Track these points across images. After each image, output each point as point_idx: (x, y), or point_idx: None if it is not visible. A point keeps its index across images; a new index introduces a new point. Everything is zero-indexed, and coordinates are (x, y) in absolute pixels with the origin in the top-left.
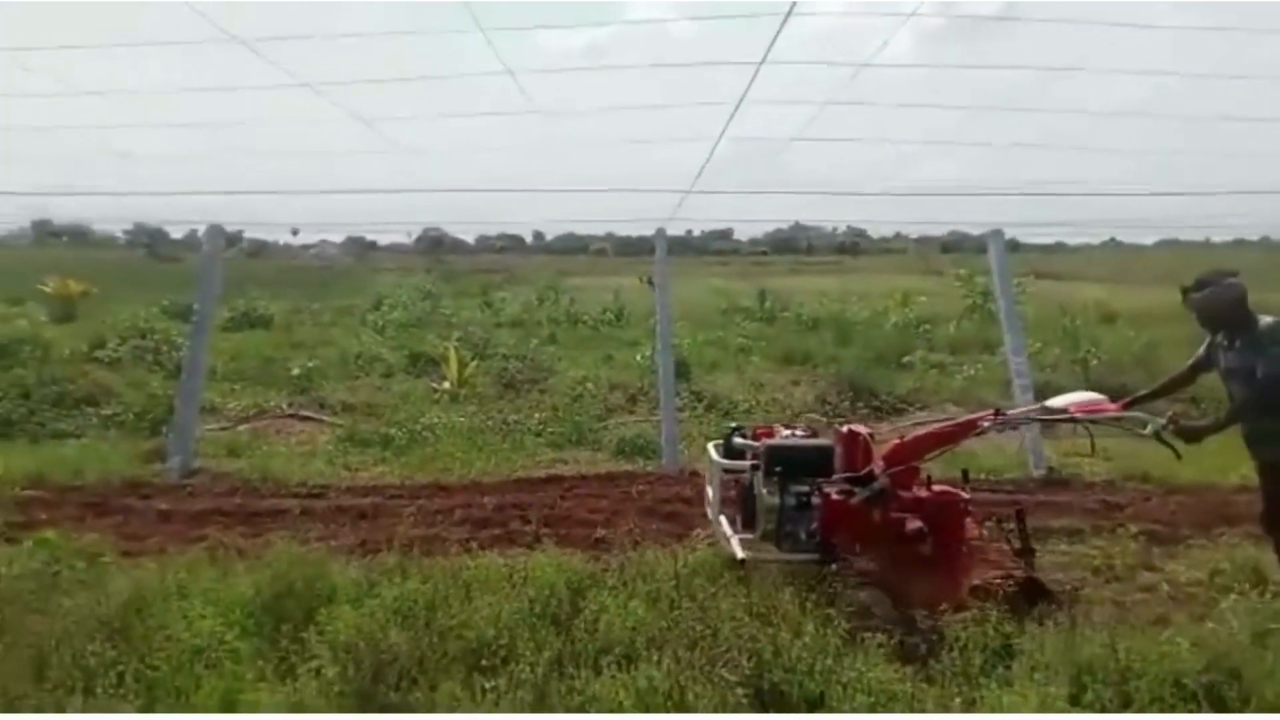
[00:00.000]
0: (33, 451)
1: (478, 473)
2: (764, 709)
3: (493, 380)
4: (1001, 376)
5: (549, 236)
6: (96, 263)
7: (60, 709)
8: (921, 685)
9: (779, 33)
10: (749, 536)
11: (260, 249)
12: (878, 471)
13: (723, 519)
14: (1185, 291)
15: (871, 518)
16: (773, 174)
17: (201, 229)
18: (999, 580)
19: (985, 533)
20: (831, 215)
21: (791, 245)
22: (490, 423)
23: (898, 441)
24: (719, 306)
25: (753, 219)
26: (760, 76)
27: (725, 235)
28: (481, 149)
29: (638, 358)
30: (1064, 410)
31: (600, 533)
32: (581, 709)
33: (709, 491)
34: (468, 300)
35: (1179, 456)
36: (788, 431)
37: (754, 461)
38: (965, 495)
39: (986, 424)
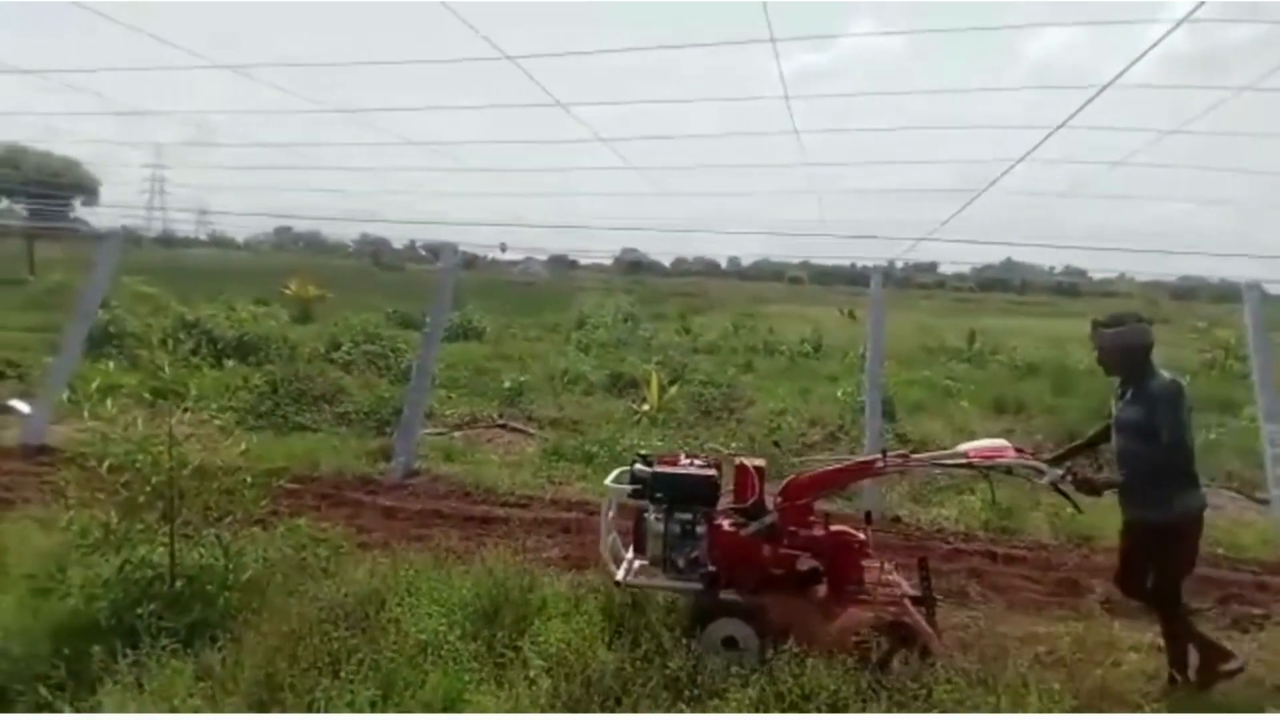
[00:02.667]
0: (278, 442)
1: None
2: None
3: (690, 405)
4: (1245, 443)
5: (744, 263)
6: (328, 269)
7: (311, 690)
8: None
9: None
10: (644, 561)
11: (471, 262)
12: (770, 506)
13: (616, 542)
14: (1095, 325)
15: (761, 551)
16: (985, 213)
17: (420, 242)
18: (868, 621)
19: (892, 578)
20: (1049, 256)
21: (1002, 283)
22: (687, 448)
23: (793, 478)
24: (925, 345)
25: (962, 261)
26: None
27: (930, 269)
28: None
29: (838, 393)
30: (963, 455)
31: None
32: None
33: (603, 515)
34: (665, 323)
35: (1078, 510)
36: (687, 461)
37: (637, 487)
38: (861, 537)
39: (880, 464)
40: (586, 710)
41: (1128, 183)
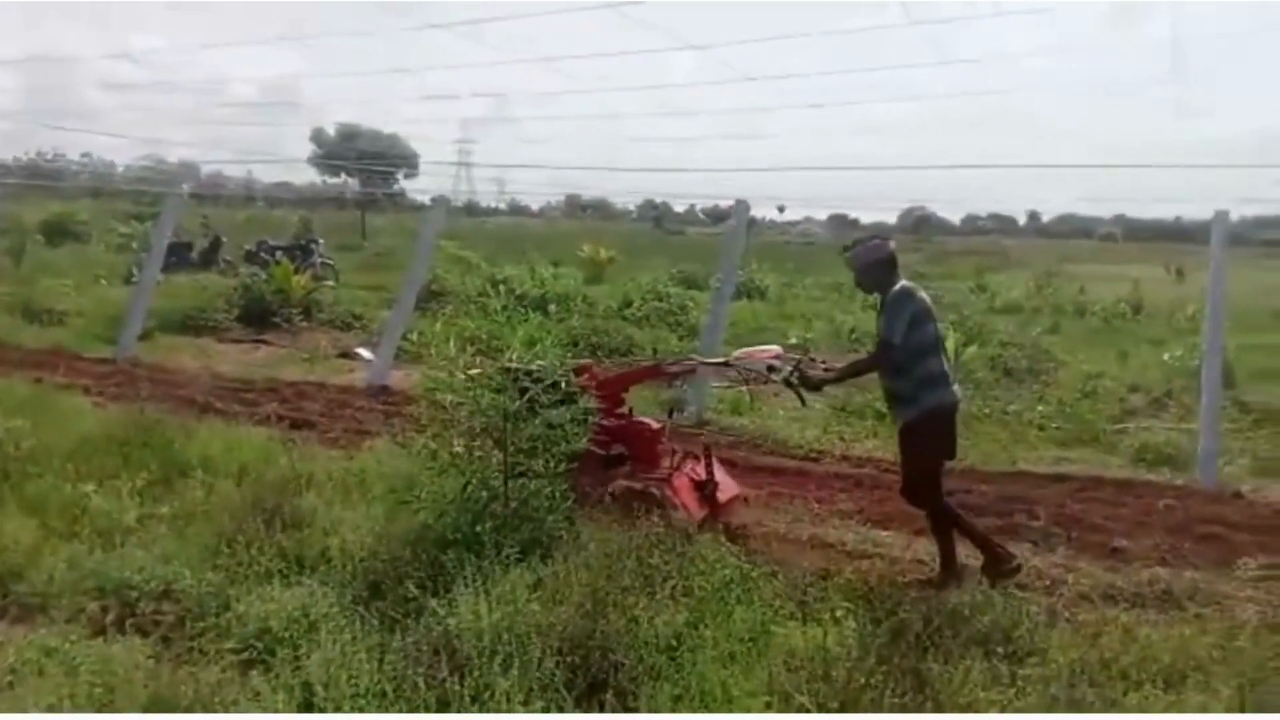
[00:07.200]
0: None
1: (974, 460)
2: None
3: (989, 367)
4: None
5: (1046, 218)
6: (614, 233)
7: (631, 607)
8: None
9: None
10: None
11: (750, 224)
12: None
13: None
14: (843, 250)
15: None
16: None
17: (699, 205)
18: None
19: (688, 466)
20: None
21: None
22: (987, 410)
23: (605, 376)
24: (1271, 307)
25: None
26: None
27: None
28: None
29: (1165, 357)
30: (726, 359)
31: (1119, 543)
32: None
33: None
34: (957, 282)
35: (804, 403)
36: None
37: None
38: (655, 426)
39: (669, 366)
40: (893, 655)
41: None
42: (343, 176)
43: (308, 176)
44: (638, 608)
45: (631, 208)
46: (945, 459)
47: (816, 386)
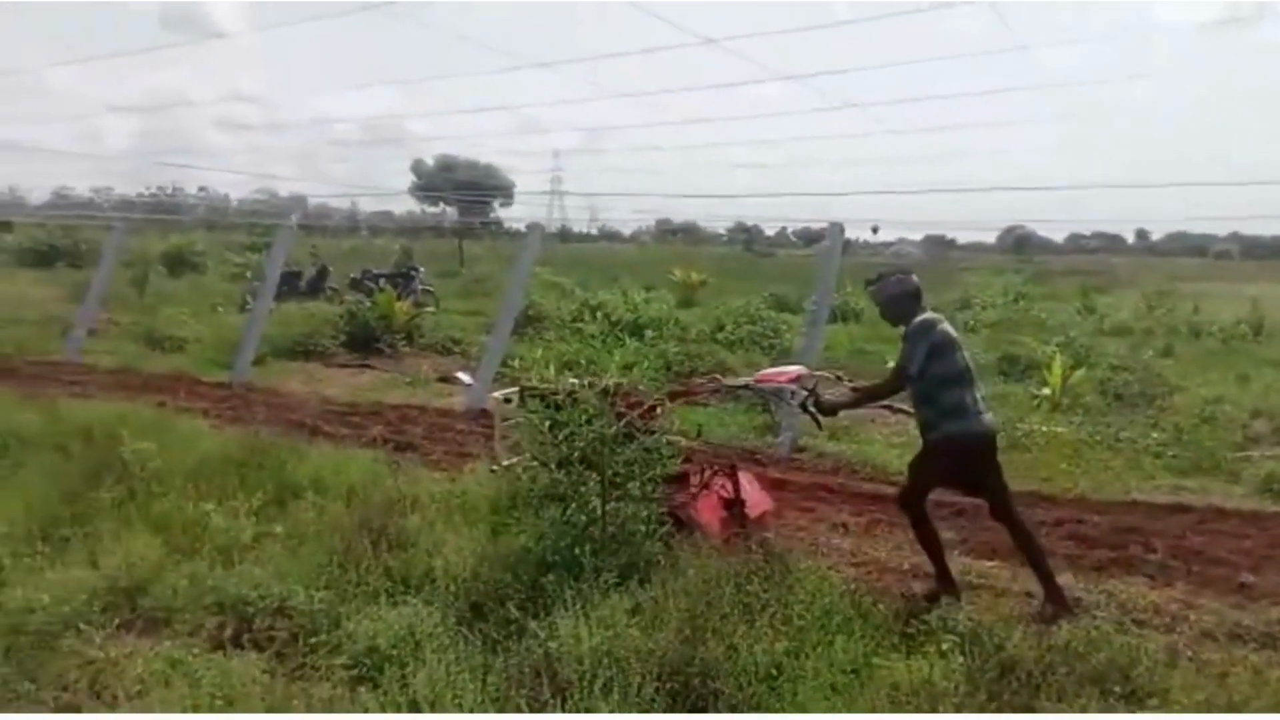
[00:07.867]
0: (678, 415)
1: (1085, 488)
2: None
3: (1098, 392)
4: None
5: (1155, 235)
6: (705, 257)
7: (730, 634)
8: None
9: None
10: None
11: (844, 246)
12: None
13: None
14: (866, 284)
15: None
16: None
17: (791, 227)
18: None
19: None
20: None
21: None
22: (1098, 437)
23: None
24: None
25: None
26: None
27: None
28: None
29: None
30: (748, 381)
31: (1246, 578)
32: None
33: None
34: (1062, 303)
35: (820, 427)
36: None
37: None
38: (683, 443)
39: (698, 386)
40: (1002, 692)
41: None
42: (441, 206)
43: (408, 206)
44: (737, 635)
45: (722, 231)
46: (988, 489)
47: (830, 410)
